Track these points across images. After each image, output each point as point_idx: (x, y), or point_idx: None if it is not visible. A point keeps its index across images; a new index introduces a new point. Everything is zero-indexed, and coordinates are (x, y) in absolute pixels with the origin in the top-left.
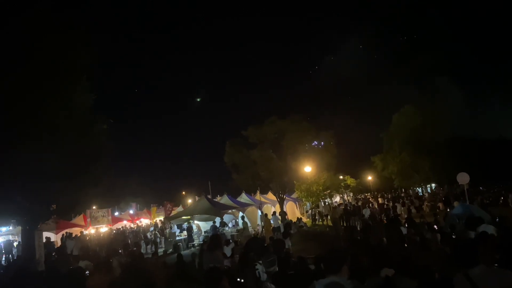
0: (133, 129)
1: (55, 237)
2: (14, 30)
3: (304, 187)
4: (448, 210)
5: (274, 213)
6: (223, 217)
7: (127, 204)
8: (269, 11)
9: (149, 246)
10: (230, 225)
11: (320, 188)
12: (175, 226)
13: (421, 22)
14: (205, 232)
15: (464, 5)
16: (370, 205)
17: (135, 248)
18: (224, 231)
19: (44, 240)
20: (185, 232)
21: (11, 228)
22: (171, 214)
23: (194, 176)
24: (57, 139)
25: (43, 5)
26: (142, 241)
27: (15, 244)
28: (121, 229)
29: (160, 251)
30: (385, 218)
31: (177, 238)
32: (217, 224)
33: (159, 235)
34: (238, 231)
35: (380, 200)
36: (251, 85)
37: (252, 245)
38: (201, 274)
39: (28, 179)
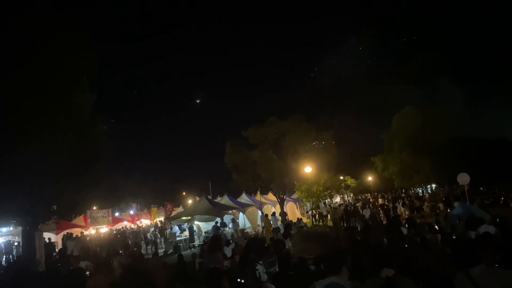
0: (133, 129)
1: (55, 238)
2: (14, 30)
3: (304, 188)
4: (448, 210)
5: (274, 213)
6: (223, 218)
7: (128, 205)
8: (269, 13)
9: (149, 247)
10: (230, 225)
11: (321, 188)
12: (176, 227)
13: (421, 22)
14: (205, 232)
15: (464, 5)
16: (370, 205)
17: (135, 249)
18: (225, 232)
19: (47, 241)
20: (185, 233)
21: (11, 228)
22: (172, 215)
23: (195, 177)
24: (57, 140)
25: (43, 5)
26: (143, 241)
27: (15, 244)
28: (122, 229)
29: (161, 251)
30: (385, 219)
31: (178, 238)
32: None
33: (159, 236)
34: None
35: (380, 200)
36: (251, 86)
37: (253, 246)
38: (202, 274)
39: (29, 179)
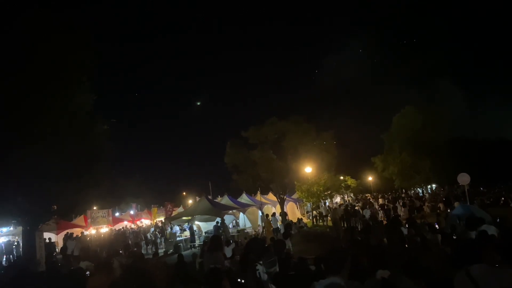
0: (134, 129)
1: (56, 238)
2: (14, 30)
3: (304, 188)
4: (448, 210)
5: (274, 213)
6: (224, 218)
7: (128, 205)
8: (269, 13)
9: (149, 247)
10: (230, 225)
11: (321, 188)
12: (176, 227)
13: (421, 22)
14: (205, 232)
15: (464, 5)
16: (368, 206)
17: (135, 249)
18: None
19: (47, 241)
20: (185, 233)
21: (12, 228)
22: (172, 215)
23: (195, 177)
24: (58, 140)
25: (43, 5)
26: (143, 241)
27: (15, 244)
28: (122, 229)
29: (161, 251)
30: (385, 219)
31: (178, 238)
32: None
33: (159, 236)
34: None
35: (380, 200)
36: (251, 86)
37: (253, 246)
38: (202, 274)
39: (29, 180)
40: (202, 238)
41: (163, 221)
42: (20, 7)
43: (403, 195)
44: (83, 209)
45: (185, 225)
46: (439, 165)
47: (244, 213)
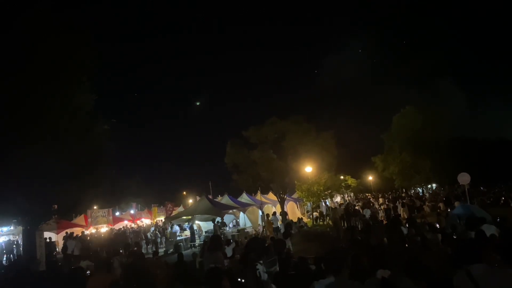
0: (134, 129)
1: (56, 237)
2: (14, 30)
3: (305, 187)
4: (449, 210)
5: (275, 213)
6: (224, 217)
7: (128, 204)
8: (270, 13)
9: (149, 246)
10: (230, 225)
11: (321, 188)
12: (176, 226)
13: (421, 22)
14: (205, 232)
15: (464, 5)
16: (371, 205)
17: (135, 248)
18: (225, 231)
19: (47, 240)
20: (185, 232)
21: (12, 228)
22: (172, 214)
23: (195, 176)
24: (58, 140)
25: (43, 5)
26: (143, 241)
27: (15, 243)
28: (122, 229)
29: (161, 251)
30: (385, 218)
31: (178, 238)
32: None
33: (159, 235)
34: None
35: (380, 200)
36: (252, 87)
37: (253, 245)
38: (202, 274)
39: (29, 179)
40: (202, 238)
41: (164, 220)
42: (20, 7)
43: (403, 195)
44: (83, 209)
45: (185, 225)
46: (439, 165)
47: (244, 212)
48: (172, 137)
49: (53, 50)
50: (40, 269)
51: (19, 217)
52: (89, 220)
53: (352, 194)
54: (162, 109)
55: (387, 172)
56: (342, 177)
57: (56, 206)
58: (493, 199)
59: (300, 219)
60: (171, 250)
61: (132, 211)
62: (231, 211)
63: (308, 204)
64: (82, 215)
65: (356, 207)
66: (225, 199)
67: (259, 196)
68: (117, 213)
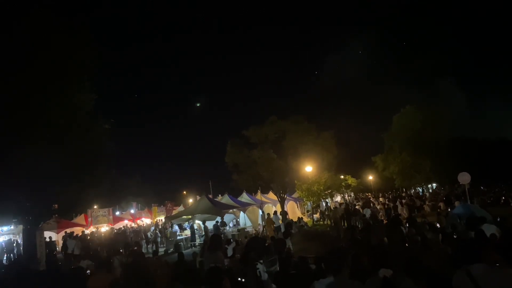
0: (134, 129)
1: (56, 237)
2: (15, 30)
3: (305, 187)
4: (449, 210)
5: (275, 212)
6: (224, 217)
7: (128, 204)
8: (270, 13)
9: (150, 246)
10: (231, 224)
11: (321, 188)
12: (176, 226)
13: (421, 22)
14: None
15: (464, 5)
16: (371, 204)
17: (136, 248)
18: (225, 231)
19: (47, 239)
20: (185, 232)
21: (12, 227)
22: (172, 214)
23: (195, 176)
24: (58, 140)
25: (44, 5)
26: (143, 240)
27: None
28: (122, 228)
29: (161, 250)
30: (386, 218)
31: (178, 237)
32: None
33: (160, 235)
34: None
35: (381, 199)
36: (252, 87)
37: (253, 245)
38: (202, 273)
39: (30, 179)
40: (202, 237)
41: (164, 220)
42: (21, 7)
43: (403, 194)
44: (83, 208)
45: (185, 224)
46: (440, 165)
47: (244, 212)
48: (172, 137)
49: (54, 50)
50: (40, 268)
51: (19, 216)
52: (89, 219)
53: (352, 194)
54: (162, 109)
55: (387, 172)
56: (342, 176)
57: (56, 205)
58: (493, 198)
59: (300, 219)
60: (171, 249)
61: (132, 211)
62: (231, 210)
63: (308, 203)
64: (82, 215)
65: (357, 207)
66: (225, 199)
67: (259, 196)
68: (117, 213)
